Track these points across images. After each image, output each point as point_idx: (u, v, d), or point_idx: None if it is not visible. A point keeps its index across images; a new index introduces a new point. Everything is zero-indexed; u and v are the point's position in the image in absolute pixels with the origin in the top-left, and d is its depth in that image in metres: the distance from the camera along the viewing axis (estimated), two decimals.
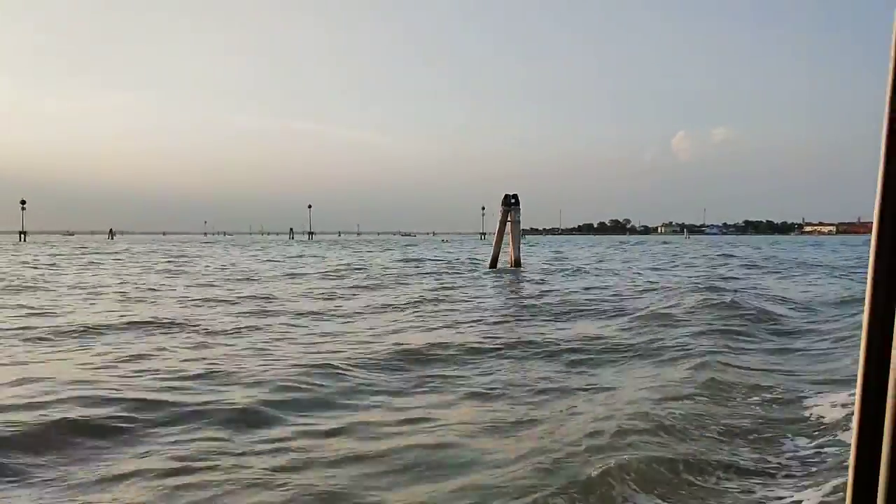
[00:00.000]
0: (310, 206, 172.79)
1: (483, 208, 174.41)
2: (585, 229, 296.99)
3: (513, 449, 6.45)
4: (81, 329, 13.82)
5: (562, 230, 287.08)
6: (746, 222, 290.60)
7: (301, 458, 6.23)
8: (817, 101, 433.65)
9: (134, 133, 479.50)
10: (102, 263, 43.10)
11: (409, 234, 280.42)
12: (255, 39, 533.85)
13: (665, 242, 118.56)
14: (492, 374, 10.11)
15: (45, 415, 7.25)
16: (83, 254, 59.55)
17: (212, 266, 40.46)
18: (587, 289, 24.53)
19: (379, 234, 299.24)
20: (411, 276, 33.36)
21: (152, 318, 15.48)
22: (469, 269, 39.31)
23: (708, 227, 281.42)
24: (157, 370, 9.90)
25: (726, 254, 59.55)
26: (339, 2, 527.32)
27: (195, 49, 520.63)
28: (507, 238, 38.58)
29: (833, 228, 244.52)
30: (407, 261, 49.33)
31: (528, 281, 29.44)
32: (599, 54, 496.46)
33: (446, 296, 21.81)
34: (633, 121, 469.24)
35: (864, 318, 1.25)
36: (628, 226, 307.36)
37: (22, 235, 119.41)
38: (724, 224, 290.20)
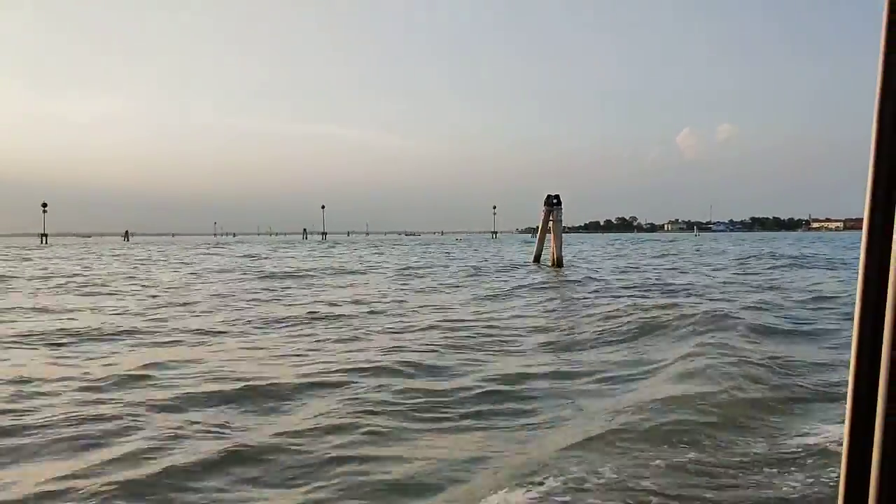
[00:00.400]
0: (323, 207, 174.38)
1: (494, 207, 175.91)
2: (592, 227, 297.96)
3: None
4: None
5: (568, 228, 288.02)
6: (753, 219, 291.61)
7: None
8: (823, 97, 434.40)
9: (141, 136, 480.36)
10: (199, 262, 44.14)
11: (412, 234, 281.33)
12: (264, 40, 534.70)
13: (673, 240, 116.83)
14: None
15: None
16: (157, 254, 60.46)
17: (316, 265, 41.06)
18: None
19: (385, 233, 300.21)
20: (487, 273, 34.11)
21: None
22: (522, 267, 40.63)
23: (714, 224, 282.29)
24: None
25: (768, 252, 53.27)
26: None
27: (203, 50, 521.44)
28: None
29: (840, 224, 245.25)
30: (453, 259, 50.27)
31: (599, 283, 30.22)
32: (602, 52, 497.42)
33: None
34: (637, 118, 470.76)
35: (856, 313, 1.26)
36: (635, 223, 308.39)
37: (43, 238, 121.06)
38: (731, 221, 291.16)
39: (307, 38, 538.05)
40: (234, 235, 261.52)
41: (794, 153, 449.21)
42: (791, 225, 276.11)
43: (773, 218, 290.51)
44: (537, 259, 41.64)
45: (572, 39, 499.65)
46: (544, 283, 27.39)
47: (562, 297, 21.08)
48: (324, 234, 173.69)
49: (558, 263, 38.99)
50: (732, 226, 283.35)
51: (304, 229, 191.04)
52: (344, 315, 16.33)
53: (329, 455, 6.09)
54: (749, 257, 46.81)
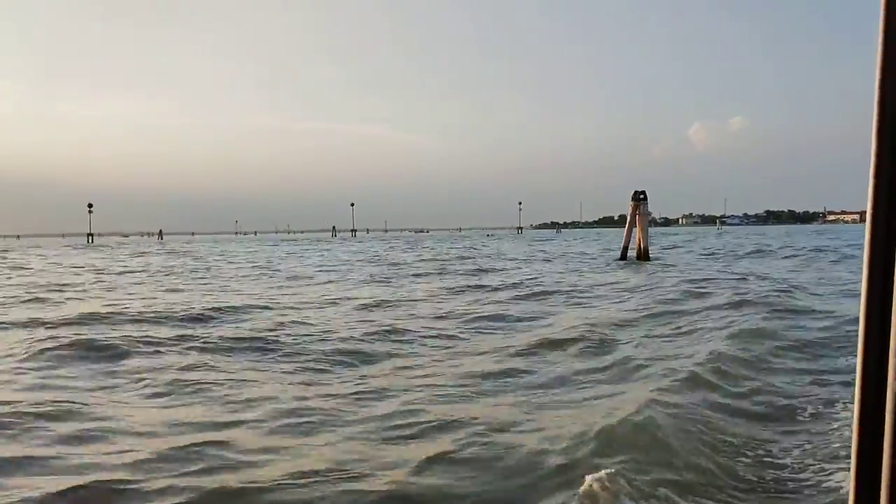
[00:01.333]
0: (352, 205, 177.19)
1: (520, 204, 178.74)
2: (607, 222, 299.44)
3: None
4: None
5: (582, 223, 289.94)
6: (768, 212, 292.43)
7: None
8: (835, 88, 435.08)
9: (158, 135, 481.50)
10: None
11: (422, 231, 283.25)
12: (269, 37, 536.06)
13: (702, 235, 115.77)
14: None
15: None
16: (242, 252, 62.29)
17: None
18: None
19: (402, 230, 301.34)
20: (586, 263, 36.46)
21: None
22: (605, 261, 42.88)
23: (729, 217, 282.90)
24: None
25: (820, 248, 51.91)
26: None
27: (213, 49, 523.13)
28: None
29: (857, 217, 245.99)
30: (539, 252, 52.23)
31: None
32: (610, 48, 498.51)
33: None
34: (649, 112, 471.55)
35: (861, 307, 1.22)
36: (649, 218, 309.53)
37: (90, 237, 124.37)
38: (745, 214, 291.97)
39: (309, 34, 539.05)
40: (256, 234, 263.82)
41: (807, 145, 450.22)
42: (806, 218, 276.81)
43: (789, 211, 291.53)
44: (624, 255, 42.95)
45: (567, 34, 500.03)
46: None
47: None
48: (354, 231, 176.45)
49: (644, 256, 41.31)
50: (747, 219, 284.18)
51: (334, 227, 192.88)
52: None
53: None
54: (813, 250, 48.07)
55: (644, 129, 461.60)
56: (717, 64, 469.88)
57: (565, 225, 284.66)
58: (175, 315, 16.34)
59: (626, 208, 42.05)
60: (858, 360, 1.21)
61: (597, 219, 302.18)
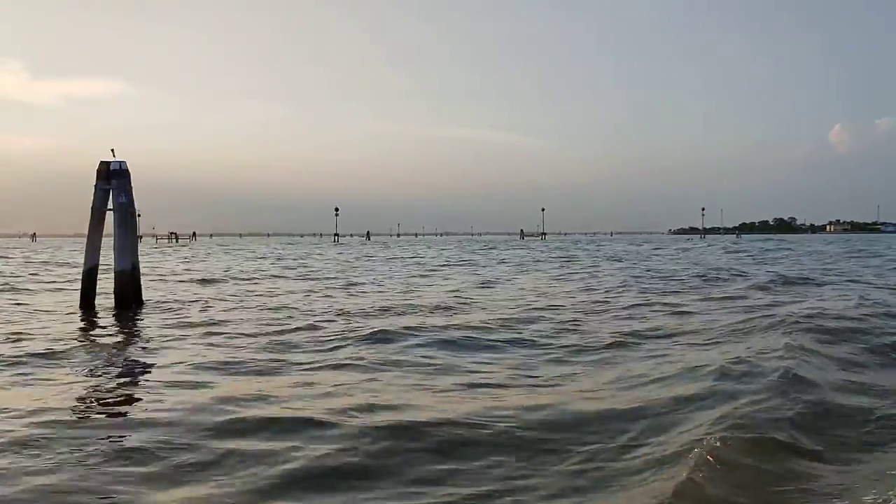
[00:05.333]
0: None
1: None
2: (747, 228, 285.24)
3: None
4: None
5: (723, 229, 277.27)
6: None
7: None
8: None
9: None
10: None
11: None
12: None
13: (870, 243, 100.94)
14: None
15: None
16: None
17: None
18: None
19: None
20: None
21: None
22: None
23: (882, 224, 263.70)
24: None
25: None
26: None
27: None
28: None
29: None
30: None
31: None
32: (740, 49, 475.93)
33: None
34: (787, 115, 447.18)
35: None
36: (794, 224, 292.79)
37: (336, 237, 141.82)
38: None
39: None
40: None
41: None
42: None
43: None
44: None
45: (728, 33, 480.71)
46: None
47: None
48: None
49: None
50: None
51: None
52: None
53: None
54: None
55: (781, 132, 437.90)
56: (857, 63, 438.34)
57: (707, 230, 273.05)
58: None
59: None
60: None
61: (737, 224, 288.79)
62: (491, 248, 77.41)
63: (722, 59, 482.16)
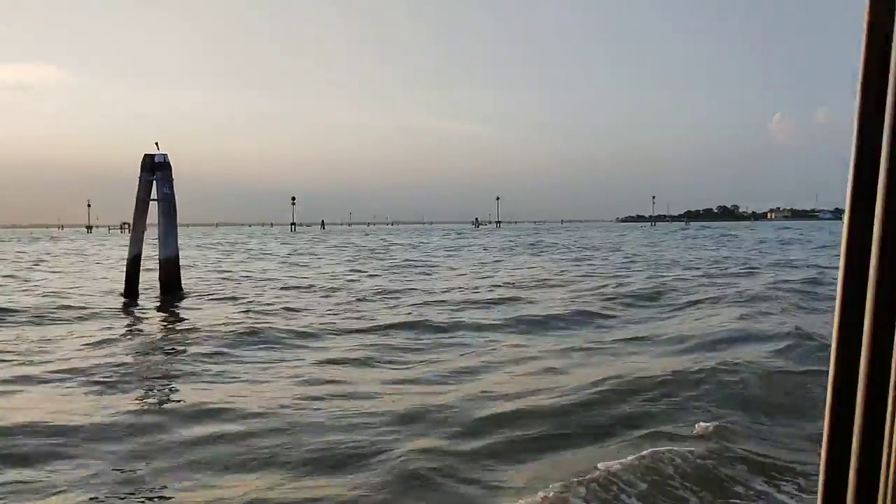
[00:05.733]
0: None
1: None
2: (693, 216, 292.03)
3: None
4: None
5: (670, 217, 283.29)
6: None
7: None
8: None
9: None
10: None
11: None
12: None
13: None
14: None
15: None
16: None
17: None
18: None
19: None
20: None
21: None
22: None
23: (820, 211, 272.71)
24: None
25: None
26: None
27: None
28: None
29: None
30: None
31: None
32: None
33: None
34: (729, 104, 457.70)
35: (837, 306, 1.21)
36: (737, 212, 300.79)
37: (293, 226, 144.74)
38: (836, 209, 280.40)
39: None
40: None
41: None
42: None
43: None
44: None
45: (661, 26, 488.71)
46: None
47: None
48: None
49: None
50: (840, 214, 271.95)
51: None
52: None
53: None
54: None
55: (723, 122, 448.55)
56: (797, 53, 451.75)
57: (650, 219, 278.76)
58: None
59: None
60: (832, 355, 1.22)
61: (681, 212, 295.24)
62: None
63: (666, 50, 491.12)
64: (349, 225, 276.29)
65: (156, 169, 17.61)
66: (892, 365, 1.13)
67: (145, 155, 17.61)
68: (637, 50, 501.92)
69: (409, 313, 15.40)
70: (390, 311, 15.96)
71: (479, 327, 13.74)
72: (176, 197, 18.13)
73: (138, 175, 17.56)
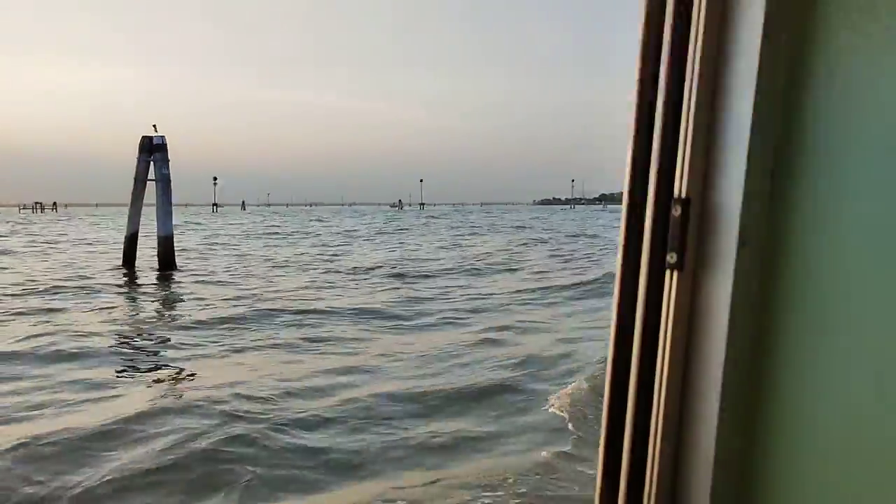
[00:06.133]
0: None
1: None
2: (608, 198, 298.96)
3: None
4: None
5: (585, 200, 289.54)
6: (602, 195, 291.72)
7: None
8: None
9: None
10: None
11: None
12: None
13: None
14: None
15: None
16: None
17: None
18: None
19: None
20: None
21: None
22: None
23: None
24: None
25: None
26: None
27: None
28: None
29: None
30: None
31: None
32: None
33: None
34: None
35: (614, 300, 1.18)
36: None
37: (215, 207, 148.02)
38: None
39: None
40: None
41: None
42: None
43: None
44: None
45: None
46: None
47: None
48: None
49: None
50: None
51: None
52: None
53: None
54: None
55: None
56: None
57: (568, 202, 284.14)
58: None
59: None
60: (609, 357, 1.19)
61: (597, 196, 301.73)
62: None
63: (588, 30, 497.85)
64: (268, 206, 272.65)
65: (153, 150, 18.24)
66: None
67: (143, 137, 18.23)
68: (562, 31, 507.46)
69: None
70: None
71: None
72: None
73: (136, 156, 18.16)
